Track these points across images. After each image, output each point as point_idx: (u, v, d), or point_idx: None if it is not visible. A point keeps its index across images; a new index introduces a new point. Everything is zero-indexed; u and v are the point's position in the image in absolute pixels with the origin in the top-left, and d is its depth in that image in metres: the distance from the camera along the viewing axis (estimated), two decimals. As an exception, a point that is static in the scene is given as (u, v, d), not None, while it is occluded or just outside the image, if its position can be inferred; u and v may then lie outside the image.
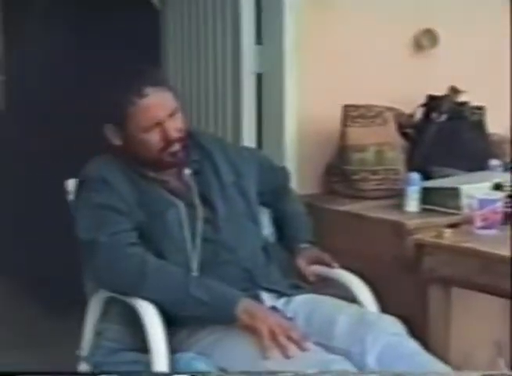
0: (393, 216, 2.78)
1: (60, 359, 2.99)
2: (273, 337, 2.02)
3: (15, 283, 4.62)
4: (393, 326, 2.15)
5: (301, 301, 2.31)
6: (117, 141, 2.31)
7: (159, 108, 2.25)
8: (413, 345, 2.11)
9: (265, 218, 2.62)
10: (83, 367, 2.37)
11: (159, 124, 2.25)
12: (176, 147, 2.29)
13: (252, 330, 2.06)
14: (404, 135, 3.23)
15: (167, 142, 2.27)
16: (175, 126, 2.27)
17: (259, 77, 3.29)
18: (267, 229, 2.60)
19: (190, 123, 3.22)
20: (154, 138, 2.26)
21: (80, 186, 2.33)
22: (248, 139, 3.25)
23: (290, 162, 3.13)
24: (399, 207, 2.86)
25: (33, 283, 4.39)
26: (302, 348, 2.01)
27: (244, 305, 2.10)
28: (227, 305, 2.11)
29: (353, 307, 2.26)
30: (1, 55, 4.74)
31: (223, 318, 2.12)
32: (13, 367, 3.19)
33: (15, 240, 4.62)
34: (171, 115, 2.27)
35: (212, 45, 3.43)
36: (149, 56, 3.75)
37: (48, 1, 4.27)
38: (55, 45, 4.24)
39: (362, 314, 2.20)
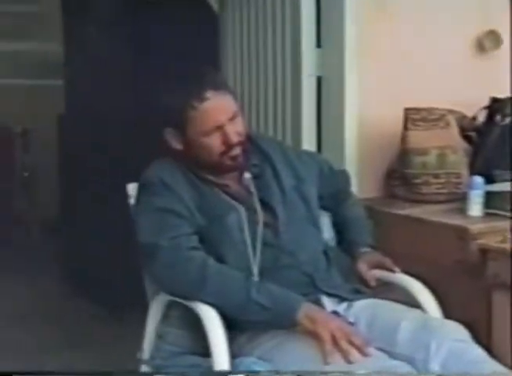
0: (456, 220, 2.74)
1: (117, 361, 3.04)
2: (335, 342, 2.00)
3: (73, 284, 4.67)
4: (457, 332, 2.11)
5: (363, 306, 2.29)
6: (177, 145, 2.31)
7: (219, 112, 2.24)
8: (479, 351, 2.08)
9: (326, 222, 2.59)
10: (144, 370, 2.38)
11: (219, 127, 2.24)
12: (237, 151, 2.28)
13: (313, 335, 2.04)
14: (466, 138, 3.18)
15: (228, 146, 2.26)
16: (236, 130, 2.27)
17: (318, 80, 3.27)
18: (327, 233, 2.58)
19: (250, 126, 3.24)
20: (215, 142, 2.25)
21: (140, 190, 2.33)
22: (308, 143, 3.23)
23: (350, 166, 3.11)
24: (461, 211, 2.82)
25: (91, 285, 4.43)
26: (364, 354, 1.99)
27: (305, 309, 2.09)
28: (288, 311, 2.09)
29: (415, 312, 2.23)
30: (62, 60, 4.79)
31: (284, 323, 2.11)
32: (68, 368, 3.26)
33: (76, 242, 4.67)
34: (232, 119, 2.26)
35: (271, 47, 3.42)
36: (208, 59, 3.77)
37: (106, 6, 4.31)
38: (113, 48, 4.29)
39: (425, 320, 2.17)
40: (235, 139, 2.26)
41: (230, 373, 2.06)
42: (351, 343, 2.00)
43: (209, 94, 2.23)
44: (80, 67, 4.51)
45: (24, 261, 5.12)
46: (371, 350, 2.03)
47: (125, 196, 2.47)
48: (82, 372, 2.58)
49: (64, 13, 4.70)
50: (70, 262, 4.77)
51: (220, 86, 2.29)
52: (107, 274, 4.29)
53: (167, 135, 2.32)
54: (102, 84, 4.31)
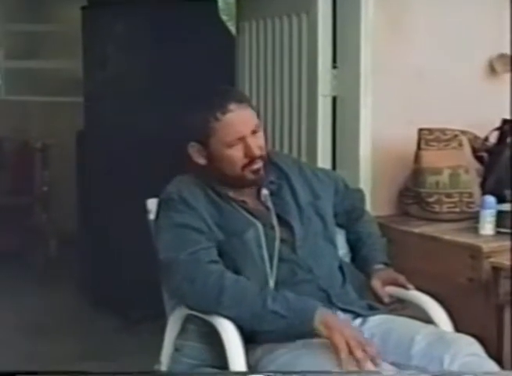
0: (468, 239, 2.79)
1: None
2: (350, 350, 2.03)
3: (90, 297, 4.70)
4: (471, 346, 2.15)
5: (377, 322, 2.33)
6: (200, 159, 2.36)
7: (242, 124, 2.30)
8: (492, 365, 2.12)
9: (340, 239, 2.63)
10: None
11: (242, 139, 2.29)
12: (258, 164, 2.33)
13: (329, 342, 2.07)
14: (478, 158, 3.23)
15: (250, 158, 2.31)
16: (258, 143, 2.32)
17: (334, 100, 3.33)
18: (341, 250, 2.62)
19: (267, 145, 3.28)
20: (238, 154, 2.30)
21: (160, 206, 2.38)
22: (323, 161, 3.28)
23: (365, 184, 3.16)
24: (474, 230, 2.87)
25: (109, 298, 4.48)
26: (377, 364, 2.02)
27: (321, 316, 2.11)
28: (304, 318, 2.12)
29: (429, 327, 2.27)
30: (82, 77, 4.86)
31: (301, 330, 2.14)
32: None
33: (93, 255, 4.72)
34: (254, 132, 2.32)
35: (288, 68, 3.48)
36: (225, 79, 3.82)
37: (126, 26, 4.38)
38: (132, 66, 4.36)
39: (439, 334, 2.21)
40: (257, 152, 2.31)
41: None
42: (365, 352, 2.03)
43: (232, 106, 2.29)
44: (99, 85, 4.57)
45: (42, 273, 5.17)
46: (384, 364, 2.06)
47: (143, 211, 2.52)
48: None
49: (84, 32, 4.77)
50: (87, 275, 4.81)
51: (242, 100, 2.35)
52: (125, 287, 4.34)
53: (190, 149, 2.36)
54: (122, 101, 4.38)
